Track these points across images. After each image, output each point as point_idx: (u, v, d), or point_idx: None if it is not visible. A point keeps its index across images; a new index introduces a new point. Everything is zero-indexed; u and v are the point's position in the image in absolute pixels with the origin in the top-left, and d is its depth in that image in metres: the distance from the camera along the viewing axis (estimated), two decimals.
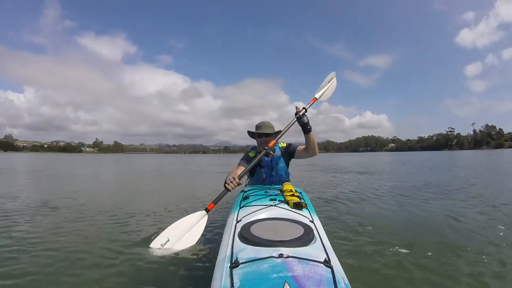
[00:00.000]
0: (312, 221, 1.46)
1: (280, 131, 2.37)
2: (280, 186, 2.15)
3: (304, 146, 2.33)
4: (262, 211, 1.56)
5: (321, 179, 7.92)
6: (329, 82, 2.62)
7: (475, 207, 3.74)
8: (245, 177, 2.60)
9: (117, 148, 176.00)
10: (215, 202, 2.01)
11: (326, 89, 2.60)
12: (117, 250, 2.19)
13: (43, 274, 1.82)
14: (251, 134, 2.49)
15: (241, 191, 2.15)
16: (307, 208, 1.68)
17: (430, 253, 2.13)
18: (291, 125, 2.27)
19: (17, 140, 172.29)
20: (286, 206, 1.65)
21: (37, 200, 4.47)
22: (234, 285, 0.89)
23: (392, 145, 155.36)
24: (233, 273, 0.95)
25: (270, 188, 2.15)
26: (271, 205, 1.64)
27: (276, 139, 2.28)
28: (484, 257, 2.05)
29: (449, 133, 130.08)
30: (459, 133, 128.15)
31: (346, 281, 0.94)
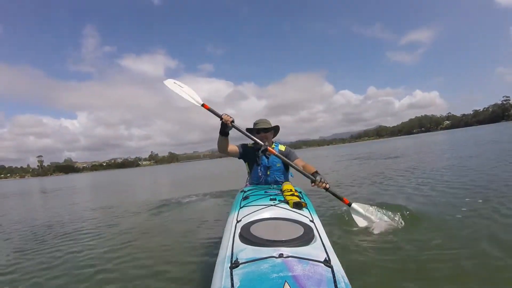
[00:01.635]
0: (312, 221, 1.46)
1: (277, 127, 2.48)
2: (280, 186, 2.15)
3: (300, 162, 2.35)
4: (262, 211, 1.56)
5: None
6: (371, 214, 2.43)
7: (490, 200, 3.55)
8: (245, 176, 2.63)
9: (172, 158, 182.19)
10: (210, 109, 2.27)
11: (363, 213, 2.42)
12: (118, 245, 2.20)
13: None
14: (249, 131, 2.45)
15: (241, 191, 2.15)
16: (307, 208, 1.68)
17: (431, 253, 2.12)
18: (303, 174, 2.19)
19: (77, 162, 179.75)
20: (286, 206, 1.65)
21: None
22: (234, 285, 0.89)
23: (447, 122, 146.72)
24: (233, 273, 0.95)
25: (270, 188, 2.15)
26: (271, 205, 1.64)
27: (289, 156, 2.36)
28: (496, 261, 1.94)
29: (504, 102, 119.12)
30: None
31: (346, 280, 0.94)
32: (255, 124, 2.44)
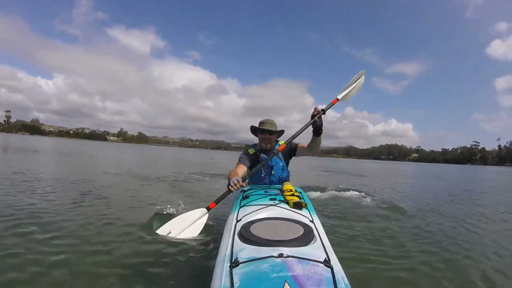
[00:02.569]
0: (312, 221, 1.46)
1: (282, 131, 2.44)
2: (280, 185, 2.15)
3: (305, 144, 2.33)
4: (262, 210, 1.56)
5: (323, 179, 7.93)
6: (356, 81, 2.45)
7: (484, 217, 3.72)
8: (245, 173, 2.61)
9: (141, 139, 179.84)
10: (217, 202, 2.05)
11: (351, 89, 2.43)
12: (115, 243, 2.19)
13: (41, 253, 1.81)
14: (254, 128, 2.46)
15: (241, 191, 2.15)
16: (307, 208, 1.68)
17: (431, 254, 2.13)
18: (307, 127, 2.21)
19: (44, 124, 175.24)
20: (286, 205, 1.65)
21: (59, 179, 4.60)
22: (234, 285, 0.89)
23: (415, 155, 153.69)
24: (233, 272, 0.95)
25: (270, 188, 2.15)
26: (271, 205, 1.64)
27: (289, 139, 2.34)
28: (487, 264, 2.03)
29: (473, 147, 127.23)
30: (484, 148, 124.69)
31: (346, 281, 0.94)
32: (261, 123, 2.41)
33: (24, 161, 8.30)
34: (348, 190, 5.29)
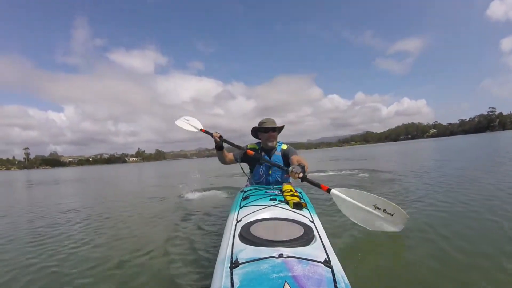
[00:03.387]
0: (312, 221, 1.46)
1: (283, 126, 2.50)
2: (280, 186, 2.15)
3: (296, 158, 2.28)
4: (262, 211, 1.56)
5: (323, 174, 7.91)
6: (377, 208, 1.84)
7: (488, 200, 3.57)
8: (244, 176, 2.64)
9: (159, 156, 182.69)
10: (206, 131, 2.60)
11: (359, 209, 1.87)
12: (119, 245, 2.20)
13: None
14: (256, 129, 2.50)
15: (241, 191, 2.15)
16: (307, 208, 1.68)
17: (431, 254, 2.12)
18: (278, 167, 2.25)
19: (62, 156, 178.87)
20: (286, 206, 1.65)
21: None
22: (234, 285, 0.89)
23: (434, 130, 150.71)
24: (233, 273, 0.95)
25: (270, 188, 2.15)
26: (271, 205, 1.64)
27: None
28: (496, 263, 1.97)
29: (490, 113, 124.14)
30: (501, 113, 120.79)
31: (346, 281, 0.94)
32: (261, 123, 2.46)
33: (62, 192, 8.34)
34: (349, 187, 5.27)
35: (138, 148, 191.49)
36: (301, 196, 1.92)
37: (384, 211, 1.78)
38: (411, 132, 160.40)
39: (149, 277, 1.76)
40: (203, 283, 1.59)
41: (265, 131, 2.41)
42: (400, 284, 1.72)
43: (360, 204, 1.83)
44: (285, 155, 2.45)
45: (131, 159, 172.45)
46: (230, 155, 2.50)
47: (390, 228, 1.83)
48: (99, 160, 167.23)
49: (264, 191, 2.04)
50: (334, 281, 0.90)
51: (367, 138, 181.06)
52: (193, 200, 4.89)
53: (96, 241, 2.50)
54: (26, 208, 4.98)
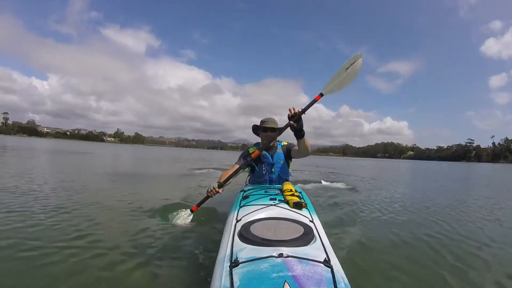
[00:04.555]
0: (312, 221, 1.46)
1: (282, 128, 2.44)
2: (280, 185, 2.15)
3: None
4: (262, 210, 1.56)
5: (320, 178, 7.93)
6: (347, 69, 2.07)
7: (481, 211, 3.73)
8: (246, 174, 2.63)
9: (137, 139, 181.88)
10: (198, 205, 2.30)
11: (342, 78, 2.08)
12: (114, 244, 2.19)
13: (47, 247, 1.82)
14: (256, 127, 2.52)
15: (241, 191, 2.15)
16: (307, 208, 1.68)
17: (431, 254, 2.13)
18: (282, 131, 2.12)
19: (40, 126, 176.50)
20: (286, 205, 1.65)
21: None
22: (234, 285, 0.89)
23: (411, 153, 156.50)
24: (233, 272, 0.95)
25: (270, 188, 2.15)
26: (271, 205, 1.64)
27: (270, 144, 2.36)
28: (487, 265, 2.03)
29: (468, 144, 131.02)
30: (478, 145, 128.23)
31: (346, 281, 0.94)
32: (263, 122, 2.46)
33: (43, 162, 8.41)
34: (348, 189, 5.29)
35: (118, 129, 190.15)
36: (301, 196, 1.92)
37: (351, 65, 2.08)
38: (389, 151, 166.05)
39: (148, 277, 1.76)
40: (203, 283, 1.58)
41: (264, 131, 2.42)
42: (400, 284, 1.72)
43: (342, 77, 2.08)
44: (288, 150, 2.48)
45: (109, 138, 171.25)
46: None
47: (358, 66, 2.11)
48: (76, 135, 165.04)
49: (264, 190, 2.04)
50: (334, 281, 0.90)
51: (345, 150, 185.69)
52: (192, 200, 4.88)
53: (88, 237, 2.49)
54: None
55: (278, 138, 2.44)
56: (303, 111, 1.91)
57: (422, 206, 3.83)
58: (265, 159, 2.42)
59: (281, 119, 2.47)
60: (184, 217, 2.52)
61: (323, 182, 6.18)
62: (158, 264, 1.89)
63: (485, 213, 3.73)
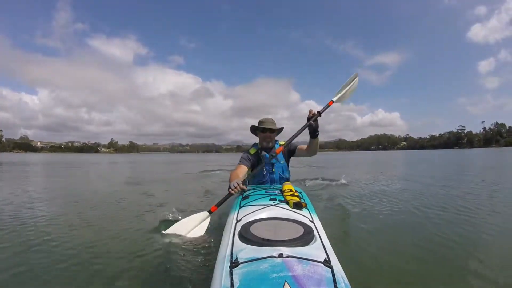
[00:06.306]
0: (312, 221, 1.46)
1: (281, 128, 2.51)
2: (280, 185, 2.15)
3: (304, 146, 2.38)
4: (262, 210, 1.56)
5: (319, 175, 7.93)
6: (350, 84, 2.51)
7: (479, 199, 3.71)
8: (246, 175, 2.64)
9: (132, 148, 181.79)
10: (218, 205, 2.08)
11: (346, 91, 2.49)
12: (117, 245, 2.20)
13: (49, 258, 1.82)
14: (254, 128, 2.54)
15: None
16: (307, 208, 1.68)
17: (431, 253, 2.12)
18: (303, 130, 2.23)
19: (33, 141, 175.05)
20: (286, 205, 1.65)
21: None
22: (234, 285, 0.89)
23: (404, 143, 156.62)
24: (233, 272, 0.95)
25: (270, 188, 2.16)
26: (271, 205, 1.64)
27: (287, 142, 2.37)
28: (491, 261, 2.02)
29: (459, 131, 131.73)
30: (470, 131, 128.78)
31: (346, 281, 0.94)
32: (261, 122, 2.47)
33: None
34: (347, 187, 5.30)
35: (111, 139, 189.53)
36: (301, 196, 1.92)
37: (352, 81, 2.53)
38: (382, 143, 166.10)
39: (148, 277, 1.76)
40: (203, 283, 1.58)
41: (262, 131, 2.43)
42: (400, 284, 1.72)
43: (345, 91, 2.50)
44: (289, 150, 2.51)
45: (103, 149, 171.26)
46: (243, 169, 2.36)
47: (355, 84, 2.55)
48: (71, 148, 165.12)
49: (264, 190, 2.04)
50: (334, 281, 0.90)
51: (339, 145, 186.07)
52: (192, 199, 4.88)
53: (86, 237, 2.50)
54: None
55: (276, 137, 2.46)
56: (319, 113, 2.17)
57: (422, 204, 3.83)
58: (265, 160, 2.43)
59: (275, 118, 2.51)
60: (202, 222, 2.09)
61: (322, 181, 6.21)
62: (158, 264, 1.89)
63: (484, 206, 3.70)
